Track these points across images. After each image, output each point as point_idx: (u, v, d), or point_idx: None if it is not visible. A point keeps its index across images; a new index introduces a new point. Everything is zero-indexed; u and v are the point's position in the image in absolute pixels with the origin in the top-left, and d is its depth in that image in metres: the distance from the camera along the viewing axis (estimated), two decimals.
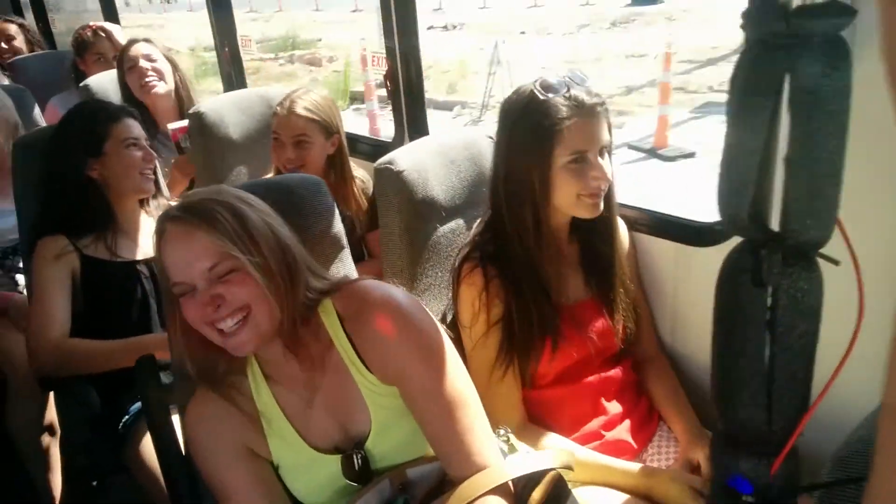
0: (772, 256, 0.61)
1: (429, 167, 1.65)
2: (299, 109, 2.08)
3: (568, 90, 1.40)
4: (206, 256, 1.12)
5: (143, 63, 2.67)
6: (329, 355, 1.22)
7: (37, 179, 1.92)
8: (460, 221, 1.69)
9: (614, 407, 1.56)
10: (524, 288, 1.45)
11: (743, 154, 0.60)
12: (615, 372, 1.58)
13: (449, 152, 1.70)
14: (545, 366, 1.48)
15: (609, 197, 1.48)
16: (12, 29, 3.82)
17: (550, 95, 1.40)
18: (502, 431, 1.26)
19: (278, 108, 2.11)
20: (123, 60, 2.71)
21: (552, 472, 1.14)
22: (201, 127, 2.37)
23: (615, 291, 1.55)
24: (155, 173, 1.98)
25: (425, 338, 1.17)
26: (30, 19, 4.32)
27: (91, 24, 3.30)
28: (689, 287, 1.67)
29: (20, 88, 2.92)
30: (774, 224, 0.63)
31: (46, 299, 1.77)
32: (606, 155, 1.44)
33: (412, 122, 2.22)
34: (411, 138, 2.20)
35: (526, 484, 1.14)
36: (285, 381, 1.24)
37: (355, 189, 2.21)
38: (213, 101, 2.46)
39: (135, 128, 1.92)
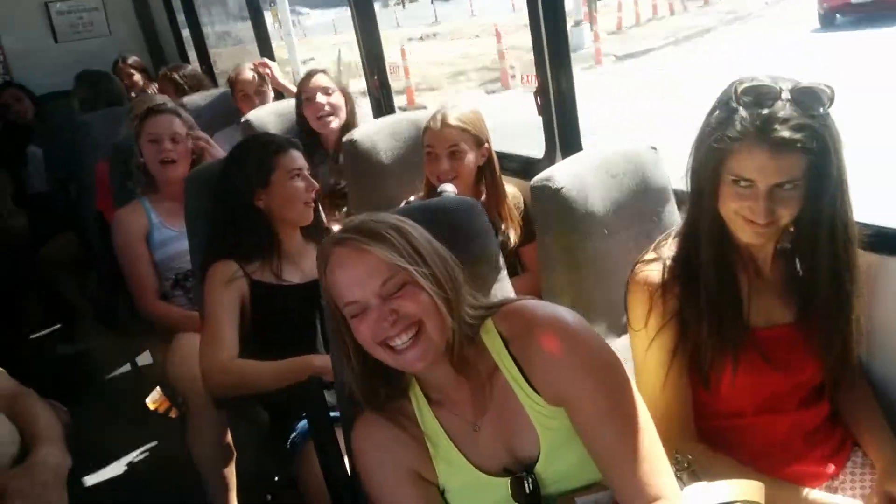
0: None
1: (588, 183, 1.60)
2: (452, 121, 2.12)
3: (770, 104, 1.21)
4: (377, 273, 1.13)
5: (319, 98, 2.83)
6: (494, 377, 1.20)
7: (206, 211, 2.04)
8: (625, 237, 1.62)
9: (809, 439, 1.43)
10: (710, 291, 1.33)
11: None
12: (815, 406, 1.44)
13: (609, 167, 1.64)
14: (727, 388, 1.37)
15: (822, 229, 1.30)
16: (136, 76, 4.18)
17: (741, 104, 1.23)
18: (680, 458, 1.19)
19: (431, 122, 2.15)
20: (301, 91, 2.87)
21: None
22: (355, 154, 2.43)
23: (825, 319, 1.36)
24: (316, 202, 2.06)
25: (594, 357, 1.14)
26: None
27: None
28: (886, 302, 1.51)
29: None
30: None
31: (217, 322, 1.87)
32: (796, 193, 1.24)
33: (563, 137, 2.18)
34: (563, 155, 2.16)
35: None
36: (449, 405, 1.23)
37: (507, 202, 2.20)
38: (364, 128, 2.53)
39: (299, 159, 2.01)
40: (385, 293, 1.13)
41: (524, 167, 2.36)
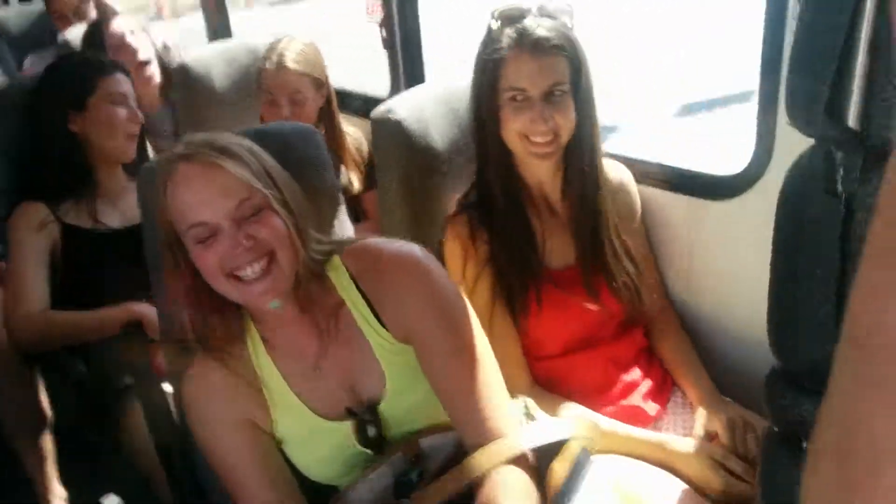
0: (850, 159, 0.51)
1: (429, 116, 1.55)
2: (290, 64, 1.96)
3: (521, 20, 1.33)
4: (233, 192, 1.03)
5: (127, 38, 2.42)
6: (339, 315, 1.15)
7: (10, 141, 1.81)
8: (464, 179, 1.59)
9: (628, 374, 1.48)
10: (507, 234, 1.39)
11: (821, 34, 0.49)
12: (625, 339, 1.50)
13: (451, 100, 1.59)
14: (536, 328, 1.41)
15: (586, 148, 1.38)
16: None
17: (501, 25, 1.34)
18: (521, 401, 1.19)
19: (267, 63, 1.98)
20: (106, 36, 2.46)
21: (573, 442, 1.07)
22: (186, 80, 2.24)
23: (604, 253, 1.44)
24: (142, 136, 1.88)
25: (441, 293, 1.12)
26: None
27: None
28: (705, 243, 1.57)
29: None
30: (853, 121, 0.52)
31: (23, 271, 1.69)
32: (565, 102, 1.33)
33: (408, 72, 2.10)
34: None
35: (545, 454, 1.06)
36: (287, 346, 1.16)
37: (348, 144, 2.09)
38: (198, 52, 2.33)
39: (124, 84, 1.82)
40: (239, 216, 1.03)
41: (366, 105, 2.27)
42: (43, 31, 3.29)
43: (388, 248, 1.17)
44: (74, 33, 2.74)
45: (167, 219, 1.06)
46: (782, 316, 0.58)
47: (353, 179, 2.09)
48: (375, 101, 2.24)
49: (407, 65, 2.09)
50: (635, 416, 1.43)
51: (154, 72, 2.46)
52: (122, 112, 1.80)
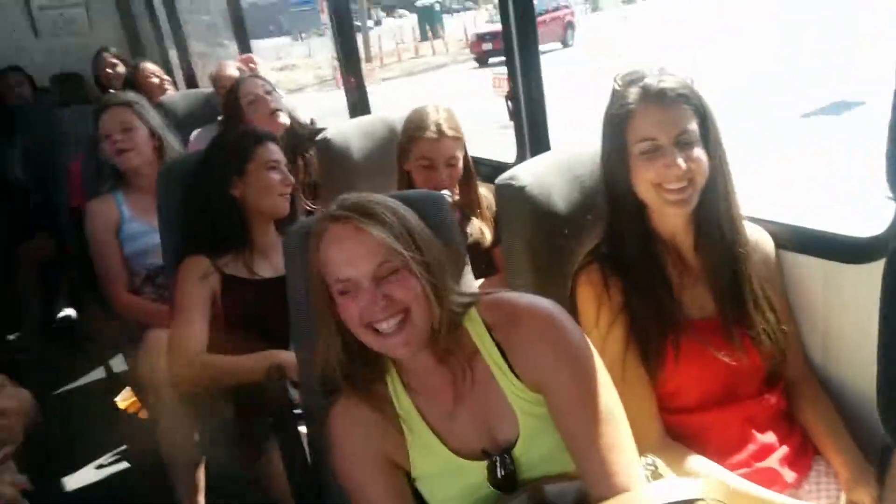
0: None
1: (551, 182, 1.62)
2: (448, 132, 2.12)
3: (643, 78, 1.38)
4: (374, 255, 1.15)
5: (265, 96, 2.79)
6: (474, 363, 1.22)
7: (179, 204, 2.05)
8: (586, 239, 1.64)
9: (765, 436, 1.44)
10: (642, 281, 1.40)
11: None
12: (764, 398, 1.46)
13: (574, 167, 1.66)
14: (672, 379, 1.40)
15: (721, 195, 1.41)
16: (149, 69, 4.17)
17: (625, 86, 1.39)
18: (649, 459, 1.21)
19: (427, 132, 2.12)
20: (241, 95, 2.80)
21: (702, 503, 1.05)
22: (328, 153, 2.45)
23: (744, 302, 1.43)
24: (293, 197, 2.07)
25: (574, 347, 1.16)
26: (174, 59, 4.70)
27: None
28: (842, 307, 1.53)
29: (164, 124, 3.12)
30: None
31: (187, 316, 1.87)
32: (696, 148, 1.37)
33: (533, 141, 2.20)
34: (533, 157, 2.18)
35: None
36: (426, 391, 1.24)
37: (482, 201, 2.22)
38: (339, 127, 2.54)
39: (276, 152, 2.04)
40: (378, 276, 1.15)
41: (495, 171, 2.38)
42: (205, 110, 3.70)
43: (523, 301, 1.23)
44: None
45: (318, 269, 1.19)
46: (891, 389, 0.58)
47: (486, 232, 2.21)
48: (502, 168, 2.37)
49: (532, 134, 2.19)
50: (771, 481, 1.39)
51: (284, 120, 2.75)
52: (276, 176, 2.00)
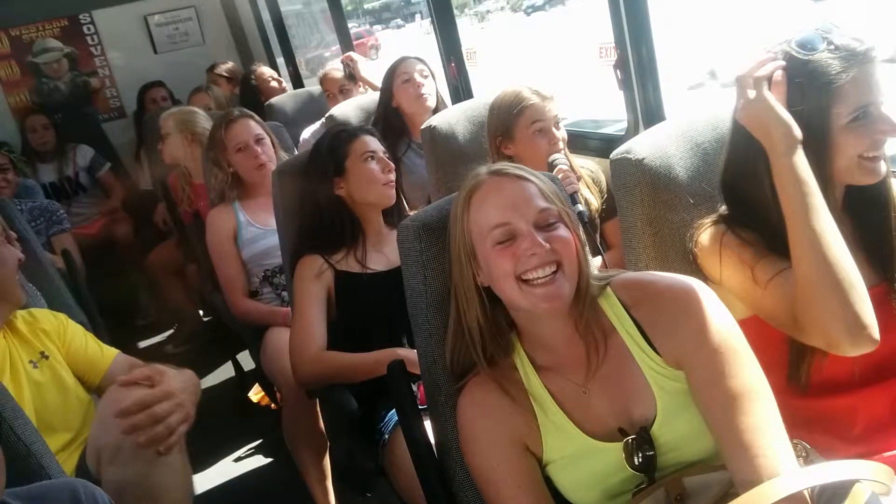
0: None
1: (671, 153, 1.52)
2: (546, 93, 2.10)
3: (831, 42, 1.24)
4: (537, 200, 1.18)
5: (417, 77, 2.85)
6: (610, 339, 1.20)
7: (295, 204, 2.09)
8: (712, 206, 1.54)
9: None
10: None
11: None
12: None
13: (692, 135, 1.55)
14: (824, 363, 1.28)
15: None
16: (267, 73, 4.31)
17: (813, 53, 1.24)
18: (798, 444, 1.12)
19: (530, 99, 2.10)
20: (396, 74, 2.88)
21: (863, 485, 0.96)
22: (433, 141, 2.43)
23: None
24: (398, 186, 2.07)
25: (720, 325, 1.11)
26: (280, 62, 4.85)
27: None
28: None
29: (277, 125, 3.23)
30: None
31: (306, 315, 1.92)
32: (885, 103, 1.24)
33: (647, 111, 2.09)
34: (647, 128, 2.07)
35: (828, 499, 0.97)
36: (557, 367, 1.21)
37: (578, 169, 2.15)
38: (443, 114, 2.52)
39: (371, 142, 2.04)
40: (539, 223, 1.16)
41: (605, 145, 2.29)
42: (312, 108, 3.79)
43: (666, 279, 1.21)
44: (340, 109, 3.12)
45: (466, 230, 1.21)
46: None
47: (592, 202, 2.14)
48: (610, 140, 2.28)
49: (645, 103, 2.08)
50: None
51: (430, 103, 2.86)
52: (374, 166, 2.00)
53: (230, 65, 4.80)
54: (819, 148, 1.25)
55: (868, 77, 1.24)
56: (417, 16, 23.71)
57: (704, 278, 1.38)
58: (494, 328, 1.23)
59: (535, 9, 20.87)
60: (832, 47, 1.24)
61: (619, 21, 2.04)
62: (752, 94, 1.25)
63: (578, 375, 1.20)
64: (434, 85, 2.91)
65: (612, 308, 1.21)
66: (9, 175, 3.67)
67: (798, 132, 1.22)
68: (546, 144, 2.07)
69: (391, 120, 2.90)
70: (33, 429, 1.31)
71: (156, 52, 5.27)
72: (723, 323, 1.12)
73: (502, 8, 22.60)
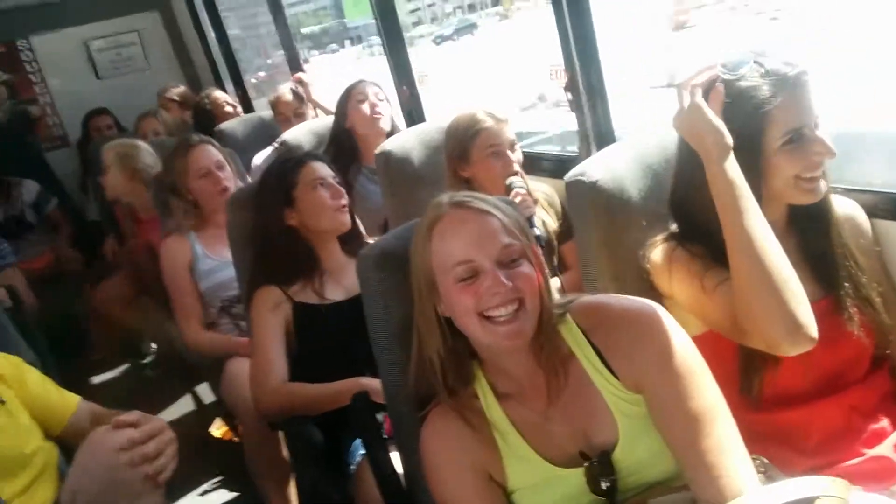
0: None
1: (623, 174, 1.55)
2: (501, 116, 2.10)
3: (761, 65, 1.28)
4: (499, 236, 1.15)
5: (372, 97, 2.85)
6: (569, 365, 1.20)
7: (248, 234, 2.06)
8: (664, 227, 1.58)
9: (875, 423, 1.35)
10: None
11: None
12: (871, 381, 1.37)
13: (643, 156, 1.59)
14: (778, 370, 1.31)
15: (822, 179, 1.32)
16: (222, 98, 4.26)
17: (736, 75, 1.28)
18: (757, 460, 1.15)
19: (484, 122, 2.10)
20: (351, 95, 2.88)
21: (824, 500, 0.97)
22: (388, 165, 2.43)
23: (851, 286, 1.35)
24: (352, 213, 2.05)
25: (678, 347, 1.12)
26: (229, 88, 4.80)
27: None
28: None
29: (230, 152, 3.18)
30: None
31: (265, 347, 1.89)
32: (820, 126, 1.29)
33: (597, 132, 2.13)
34: (598, 149, 2.11)
35: None
36: (518, 396, 1.21)
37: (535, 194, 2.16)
38: (397, 138, 2.53)
39: (320, 169, 2.02)
40: (501, 260, 1.14)
41: (558, 166, 2.32)
42: (261, 133, 3.75)
43: (623, 302, 1.21)
44: (293, 134, 3.11)
45: (426, 262, 1.18)
46: None
47: (549, 224, 2.16)
48: (562, 161, 2.31)
49: (595, 125, 2.12)
50: (886, 469, 1.30)
51: (384, 124, 2.88)
52: (324, 193, 1.98)
53: (181, 89, 4.71)
54: (754, 167, 1.28)
55: (799, 101, 1.27)
56: (348, 42, 23.73)
57: (658, 296, 1.41)
58: (455, 358, 1.22)
59: (443, 39, 21.74)
60: (763, 70, 1.27)
61: (568, 44, 2.08)
62: (686, 101, 1.27)
63: (539, 403, 1.20)
64: (389, 109, 2.91)
65: (571, 334, 1.21)
66: None
67: (729, 139, 1.24)
68: (502, 167, 2.08)
69: (343, 142, 2.89)
70: None
71: (98, 77, 5.17)
72: (680, 345, 1.13)
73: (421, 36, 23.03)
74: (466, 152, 2.12)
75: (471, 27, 22.45)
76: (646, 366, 1.13)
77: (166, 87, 4.68)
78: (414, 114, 3.00)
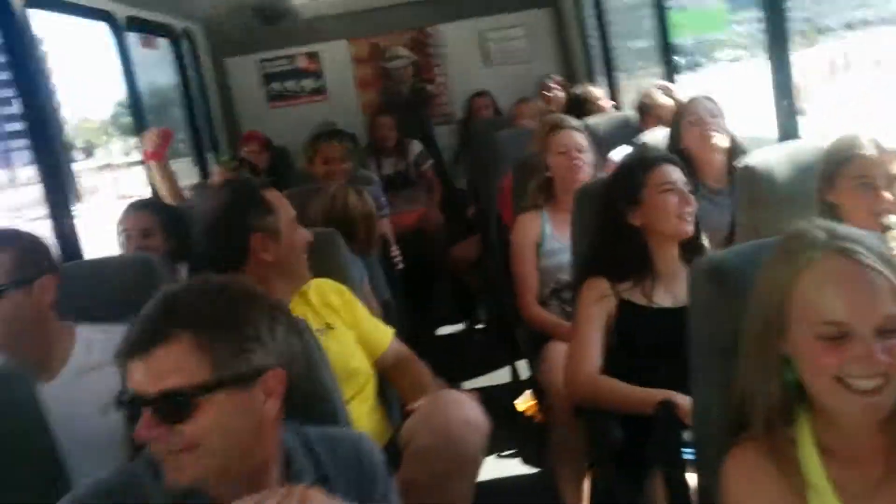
0: None
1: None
2: (886, 146, 1.85)
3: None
4: (888, 301, 1.01)
5: (707, 118, 2.74)
6: None
7: (591, 225, 2.12)
8: None
9: None
10: None
11: None
12: None
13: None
14: None
15: None
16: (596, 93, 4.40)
17: None
18: None
19: (869, 148, 1.86)
20: (685, 114, 2.82)
21: None
22: (749, 181, 2.27)
23: None
24: (697, 223, 2.00)
25: None
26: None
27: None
28: None
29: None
30: None
31: (584, 336, 1.94)
32: None
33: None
34: None
35: None
36: (846, 455, 1.09)
37: None
38: (763, 153, 2.35)
39: (671, 173, 1.99)
40: (882, 328, 1.01)
41: None
42: (624, 132, 3.76)
43: None
44: (653, 136, 3.09)
45: (783, 300, 1.08)
46: None
47: None
48: None
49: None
50: None
51: (720, 143, 2.73)
52: (672, 198, 1.95)
53: (561, 79, 5.01)
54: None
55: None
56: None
57: None
58: (784, 398, 1.12)
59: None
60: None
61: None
62: None
63: (873, 469, 1.06)
64: (725, 126, 2.74)
65: None
66: (346, 165, 4.13)
67: None
68: (870, 201, 1.83)
69: (682, 156, 2.77)
70: (334, 378, 1.48)
71: (485, 65, 5.68)
72: None
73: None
74: (834, 176, 1.91)
75: None
76: None
77: (550, 76, 5.01)
78: (788, 129, 2.75)
